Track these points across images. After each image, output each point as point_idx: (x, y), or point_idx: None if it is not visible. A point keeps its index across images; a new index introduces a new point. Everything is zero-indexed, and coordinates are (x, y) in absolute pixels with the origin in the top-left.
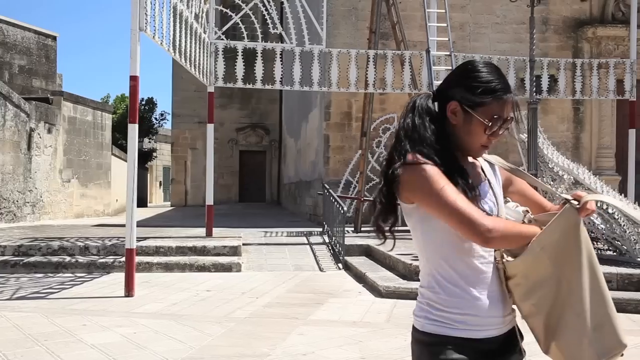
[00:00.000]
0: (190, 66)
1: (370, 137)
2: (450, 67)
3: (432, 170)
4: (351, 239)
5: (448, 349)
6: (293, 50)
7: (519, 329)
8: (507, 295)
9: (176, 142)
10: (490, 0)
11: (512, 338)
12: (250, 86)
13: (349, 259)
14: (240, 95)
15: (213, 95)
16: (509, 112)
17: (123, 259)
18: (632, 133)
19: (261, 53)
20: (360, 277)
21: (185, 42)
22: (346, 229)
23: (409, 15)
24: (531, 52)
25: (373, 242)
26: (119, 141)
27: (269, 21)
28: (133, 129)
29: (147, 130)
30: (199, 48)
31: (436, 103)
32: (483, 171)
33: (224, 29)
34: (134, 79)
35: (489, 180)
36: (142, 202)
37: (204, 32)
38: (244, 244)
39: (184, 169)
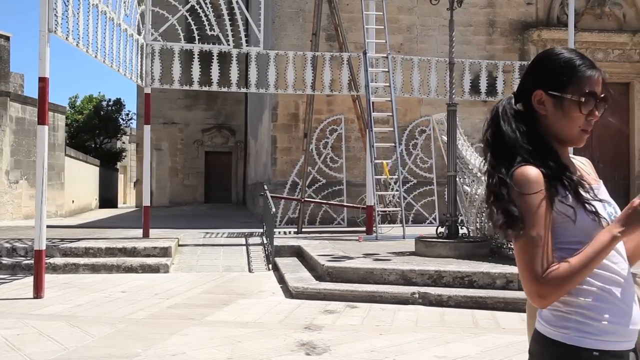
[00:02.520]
0: (118, 67)
1: (310, 139)
2: (387, 69)
3: (534, 201)
4: (285, 240)
5: None
6: (230, 52)
7: None
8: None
9: (141, 143)
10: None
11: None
12: (187, 88)
13: (279, 260)
14: (205, 96)
15: (150, 96)
16: (599, 88)
17: (52, 260)
18: None
19: (217, 55)
20: (281, 278)
21: (112, 43)
22: (289, 230)
23: (357, 17)
24: (450, 55)
25: (305, 243)
26: (87, 142)
27: (205, 23)
28: (42, 131)
29: (116, 130)
30: (132, 49)
31: (519, 104)
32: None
33: (161, 30)
34: (42, 81)
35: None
36: (110, 202)
37: (139, 34)
38: (180, 245)
39: (149, 169)
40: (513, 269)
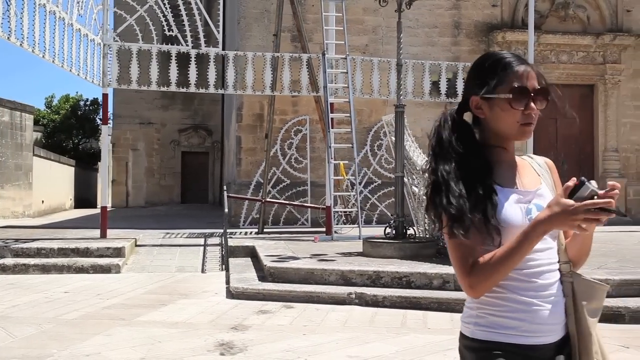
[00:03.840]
0: (70, 68)
1: (275, 139)
2: (345, 71)
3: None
4: (241, 240)
5: (498, 355)
6: (189, 53)
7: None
8: (563, 304)
9: (117, 143)
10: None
11: (563, 345)
12: (145, 88)
13: (233, 260)
14: (182, 97)
15: (107, 97)
16: (532, 82)
17: (2, 260)
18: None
19: (195, 56)
20: (228, 279)
21: (62, 43)
22: (251, 230)
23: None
24: (398, 56)
25: (260, 244)
26: (64, 142)
27: (164, 23)
28: None
29: (93, 130)
30: (87, 50)
31: (466, 113)
32: (537, 173)
33: (119, 30)
34: None
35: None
36: (88, 203)
37: (95, 34)
38: (138, 245)
39: (125, 169)
40: (450, 270)
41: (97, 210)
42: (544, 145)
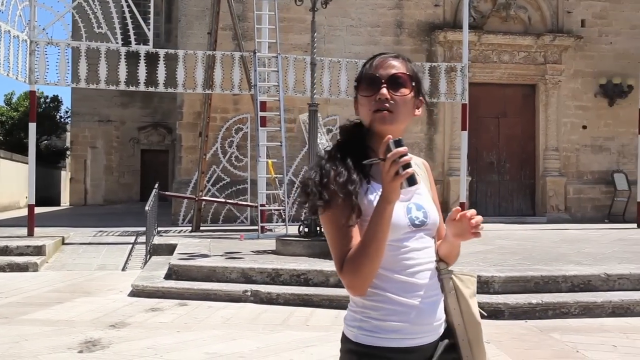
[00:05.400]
0: None
1: (216, 137)
2: (276, 69)
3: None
4: (166, 239)
5: None
6: (119, 50)
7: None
8: (442, 303)
9: (75, 141)
10: (345, 3)
11: (445, 338)
12: (74, 85)
13: (154, 258)
14: (141, 94)
15: (35, 93)
16: (387, 70)
17: None
18: (464, 135)
19: (125, 54)
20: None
21: None
22: (187, 228)
23: (265, 17)
24: (312, 55)
25: (185, 242)
26: (24, 140)
27: (93, 20)
28: None
29: (54, 128)
30: (9, 46)
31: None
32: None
33: (47, 26)
34: None
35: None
36: (50, 201)
37: (20, 31)
38: (66, 243)
39: (84, 167)
40: None
41: (53, 209)
42: (486, 145)
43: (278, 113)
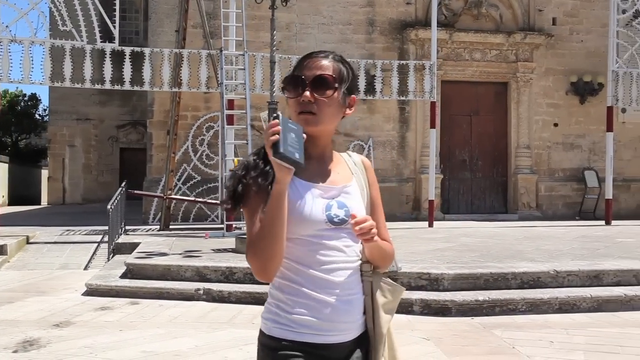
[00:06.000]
0: None
1: (187, 136)
2: (243, 67)
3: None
4: (130, 237)
5: (294, 355)
6: (84, 48)
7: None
8: (362, 301)
9: (53, 140)
10: (316, 1)
11: (361, 341)
12: (39, 83)
13: (117, 257)
14: (120, 93)
15: None
16: (313, 71)
17: None
18: (433, 133)
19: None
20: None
21: None
22: (152, 226)
23: (238, 15)
24: (272, 53)
25: (149, 240)
26: (2, 138)
27: (57, 18)
28: None
29: (33, 126)
30: None
31: None
32: (351, 172)
33: (10, 24)
34: None
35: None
36: (29, 200)
37: None
38: (31, 242)
39: (62, 166)
40: None
41: (34, 207)
42: (459, 142)
43: (245, 111)
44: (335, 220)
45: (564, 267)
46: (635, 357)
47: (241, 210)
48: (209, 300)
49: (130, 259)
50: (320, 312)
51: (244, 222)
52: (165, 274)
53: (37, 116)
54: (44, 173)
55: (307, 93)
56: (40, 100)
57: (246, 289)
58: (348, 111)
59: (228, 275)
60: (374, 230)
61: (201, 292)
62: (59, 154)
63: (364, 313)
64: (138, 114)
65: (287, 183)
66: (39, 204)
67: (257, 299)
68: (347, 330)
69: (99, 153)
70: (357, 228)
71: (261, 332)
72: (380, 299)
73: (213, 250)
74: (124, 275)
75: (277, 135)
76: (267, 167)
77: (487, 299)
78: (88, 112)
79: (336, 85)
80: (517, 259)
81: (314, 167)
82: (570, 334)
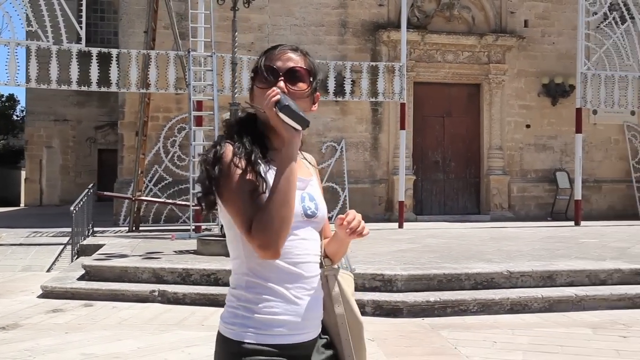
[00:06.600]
0: None
1: (143, 136)
2: (210, 69)
3: (229, 170)
4: (96, 239)
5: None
6: (50, 49)
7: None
8: (322, 299)
9: (30, 141)
10: (289, 2)
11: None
12: (4, 84)
13: (81, 259)
14: (98, 93)
15: None
16: (286, 63)
17: None
18: (402, 134)
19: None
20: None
21: None
22: (123, 228)
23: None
24: (233, 55)
25: (115, 242)
26: None
27: (22, 18)
28: None
29: (10, 127)
30: None
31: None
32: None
33: None
34: None
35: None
36: (8, 201)
37: None
38: None
39: (39, 167)
40: None
41: (10, 209)
42: (432, 144)
43: (212, 112)
44: (309, 212)
45: (518, 267)
46: (573, 357)
47: (218, 202)
48: (164, 302)
49: (89, 260)
50: (293, 309)
51: (217, 222)
52: (123, 275)
53: (15, 117)
54: (24, 174)
55: (282, 84)
56: (18, 101)
57: (201, 291)
58: (314, 108)
59: (185, 277)
60: (363, 224)
61: (156, 293)
62: (36, 155)
63: (324, 309)
64: (116, 115)
65: (297, 144)
66: (18, 205)
67: (212, 301)
68: (315, 327)
69: (77, 154)
70: (347, 229)
71: (225, 339)
72: (347, 289)
73: (175, 252)
74: (82, 277)
75: (279, 95)
76: (246, 140)
77: (439, 299)
78: (66, 113)
79: (311, 79)
80: (475, 260)
81: None
82: (516, 334)
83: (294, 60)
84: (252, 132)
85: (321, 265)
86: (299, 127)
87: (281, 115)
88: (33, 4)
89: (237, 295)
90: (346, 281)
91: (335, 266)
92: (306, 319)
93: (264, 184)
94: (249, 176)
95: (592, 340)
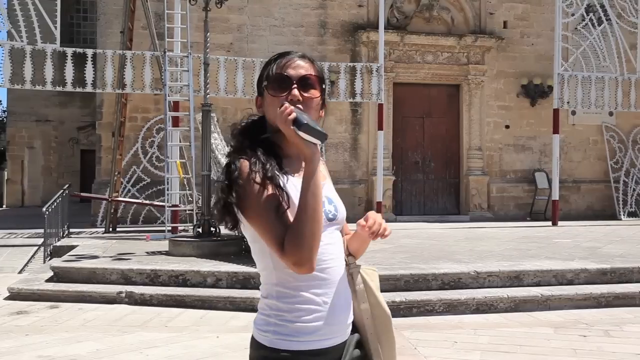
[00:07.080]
0: None
1: (119, 137)
2: (186, 69)
3: (250, 186)
4: (70, 240)
5: None
6: (24, 49)
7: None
8: (351, 300)
9: (12, 141)
10: (268, 3)
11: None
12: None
13: (52, 260)
14: (80, 94)
15: None
16: (297, 70)
17: None
18: (380, 135)
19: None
20: None
21: None
22: (100, 229)
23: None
24: (205, 55)
25: (88, 243)
26: None
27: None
28: None
29: None
30: None
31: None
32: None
33: None
34: None
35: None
36: None
37: None
38: None
39: (21, 168)
40: (226, 268)
41: None
42: (411, 144)
43: (188, 113)
44: (330, 216)
45: (486, 268)
46: (530, 356)
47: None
48: (131, 303)
49: (57, 262)
50: (323, 314)
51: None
52: (91, 277)
53: None
54: (6, 175)
55: (296, 92)
56: (0, 101)
57: (168, 292)
58: (321, 113)
59: (153, 278)
60: (385, 225)
61: (123, 295)
62: (17, 155)
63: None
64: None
65: (319, 158)
66: (1, 206)
67: (179, 302)
68: (345, 330)
69: (60, 155)
70: (370, 232)
71: (260, 344)
72: (372, 284)
73: (147, 253)
74: (50, 279)
75: (294, 113)
76: (264, 157)
77: (405, 300)
78: (48, 113)
79: (323, 86)
80: (444, 260)
81: (297, 165)
82: (478, 334)
83: (305, 67)
84: (262, 141)
85: (345, 264)
86: (318, 142)
87: (301, 133)
88: (8, 4)
89: (269, 304)
90: (370, 276)
91: (359, 262)
92: (336, 323)
93: (287, 198)
94: (270, 192)
95: (552, 340)
